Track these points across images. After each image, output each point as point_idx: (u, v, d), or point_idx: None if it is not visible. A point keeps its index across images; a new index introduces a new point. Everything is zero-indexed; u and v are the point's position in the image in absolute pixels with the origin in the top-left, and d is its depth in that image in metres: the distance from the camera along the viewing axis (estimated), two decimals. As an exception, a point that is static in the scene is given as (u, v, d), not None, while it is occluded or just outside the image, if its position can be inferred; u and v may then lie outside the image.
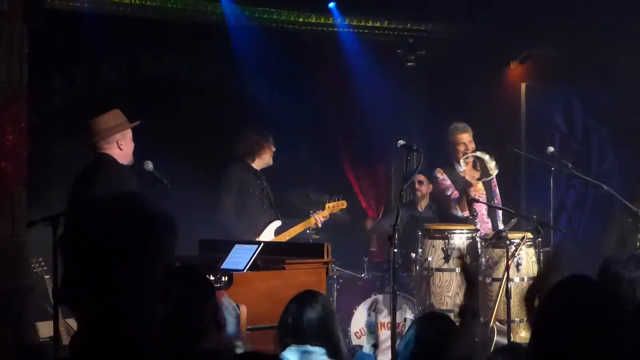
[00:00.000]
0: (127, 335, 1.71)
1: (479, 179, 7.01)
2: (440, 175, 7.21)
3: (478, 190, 7.07)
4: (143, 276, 1.73)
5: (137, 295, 1.73)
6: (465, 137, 7.11)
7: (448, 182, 7.14)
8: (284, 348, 3.62)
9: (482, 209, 7.06)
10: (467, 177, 6.94)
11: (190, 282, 3.21)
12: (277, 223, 7.05)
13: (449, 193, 7.11)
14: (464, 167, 6.99)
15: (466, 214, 6.97)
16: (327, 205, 7.34)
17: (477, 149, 7.02)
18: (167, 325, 3.09)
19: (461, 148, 7.10)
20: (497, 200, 7.28)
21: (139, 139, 5.39)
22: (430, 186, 8.08)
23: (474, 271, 3.72)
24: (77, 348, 1.72)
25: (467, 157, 7.02)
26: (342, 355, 3.65)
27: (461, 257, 3.52)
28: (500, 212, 7.21)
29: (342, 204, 7.43)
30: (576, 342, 2.29)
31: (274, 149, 7.13)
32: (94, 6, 7.53)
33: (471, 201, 6.76)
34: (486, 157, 6.95)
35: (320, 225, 7.24)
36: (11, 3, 6.29)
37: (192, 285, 3.19)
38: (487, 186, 7.14)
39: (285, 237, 7.02)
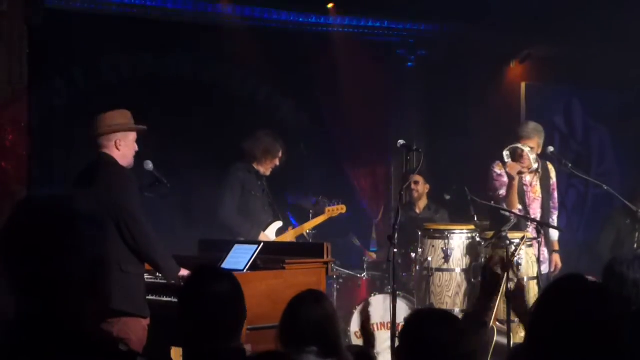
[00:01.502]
0: (51, 327, 1.78)
1: (519, 173, 6.61)
2: (499, 170, 6.79)
3: (535, 192, 6.84)
4: (65, 272, 1.80)
5: (60, 290, 1.80)
6: (532, 143, 6.73)
7: (504, 178, 6.70)
8: (285, 347, 3.62)
9: (536, 212, 6.81)
10: (510, 171, 6.55)
11: (221, 282, 3.21)
12: (279, 224, 7.05)
13: (500, 192, 6.72)
14: (508, 160, 6.59)
15: (515, 211, 6.63)
16: (326, 209, 7.33)
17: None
18: (200, 324, 3.10)
19: (525, 152, 6.71)
20: (554, 204, 6.99)
21: (139, 139, 5.38)
22: (427, 186, 8.05)
23: (498, 278, 3.63)
24: (8, 335, 1.81)
25: (509, 150, 6.62)
26: (341, 355, 3.66)
27: (492, 265, 3.39)
28: (555, 216, 6.97)
29: (342, 209, 7.41)
30: (571, 339, 2.29)
31: (277, 164, 7.04)
32: (93, 6, 7.53)
33: (472, 200, 6.72)
34: (527, 149, 6.59)
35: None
36: (11, 3, 6.29)
37: (222, 285, 3.19)
38: (545, 189, 6.86)
39: (286, 237, 7.02)
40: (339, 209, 7.36)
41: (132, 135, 5.10)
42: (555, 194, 7.00)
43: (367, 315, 4.31)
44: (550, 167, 6.96)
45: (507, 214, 6.60)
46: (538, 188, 6.87)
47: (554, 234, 6.96)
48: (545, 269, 6.73)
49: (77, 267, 1.81)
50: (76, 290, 1.81)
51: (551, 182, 6.93)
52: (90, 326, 1.85)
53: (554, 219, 6.99)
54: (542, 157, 6.92)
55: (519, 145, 6.61)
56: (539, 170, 6.84)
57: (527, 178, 6.83)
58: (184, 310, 3.22)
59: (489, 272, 3.44)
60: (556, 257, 6.95)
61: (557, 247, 6.99)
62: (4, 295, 1.86)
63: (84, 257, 1.82)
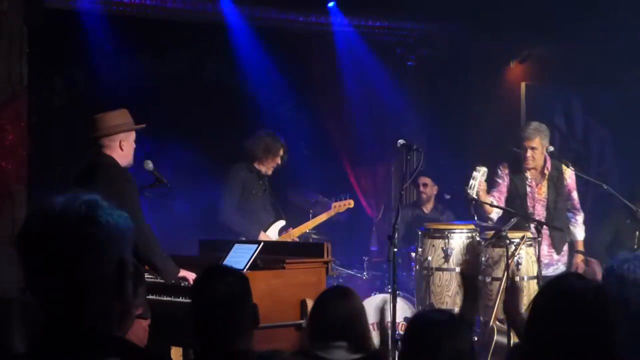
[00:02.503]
0: (77, 330, 1.75)
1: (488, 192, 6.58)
2: (499, 172, 6.82)
3: (541, 193, 6.73)
4: (89, 274, 1.77)
5: (85, 292, 1.77)
6: (534, 143, 6.62)
7: (500, 181, 6.75)
8: (313, 343, 3.65)
9: (540, 213, 6.70)
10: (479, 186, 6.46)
11: (230, 283, 3.21)
12: (281, 223, 7.05)
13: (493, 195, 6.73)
14: (477, 180, 6.45)
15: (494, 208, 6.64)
16: (333, 205, 7.32)
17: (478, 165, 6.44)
18: (203, 325, 3.10)
19: (528, 154, 6.65)
20: (573, 206, 6.82)
21: (139, 139, 5.38)
22: (436, 187, 8.05)
23: (473, 277, 3.61)
24: (35, 341, 1.78)
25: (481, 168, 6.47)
26: (370, 349, 3.70)
27: (463, 262, 3.40)
28: (578, 217, 6.83)
29: (349, 204, 7.40)
30: (568, 339, 2.29)
31: (278, 163, 7.06)
32: (94, 6, 7.53)
33: (471, 200, 6.71)
34: (476, 176, 6.39)
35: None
36: (11, 3, 6.30)
37: (231, 286, 3.19)
38: (555, 190, 6.71)
39: (288, 237, 7.02)
40: (346, 204, 7.34)
41: (133, 135, 5.11)
42: (574, 195, 6.84)
43: (383, 314, 4.34)
44: (565, 168, 6.80)
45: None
46: (545, 189, 6.78)
47: (579, 234, 6.85)
48: (544, 268, 6.67)
49: (102, 269, 1.77)
50: (101, 293, 1.78)
51: (565, 184, 6.78)
52: (115, 329, 1.82)
53: (577, 220, 6.85)
54: (554, 158, 6.86)
55: (476, 172, 6.38)
56: (545, 172, 6.79)
57: (533, 178, 6.81)
58: (193, 312, 3.22)
59: (462, 276, 3.45)
60: (578, 259, 6.82)
61: (581, 248, 6.86)
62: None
63: (110, 260, 1.79)
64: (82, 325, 1.75)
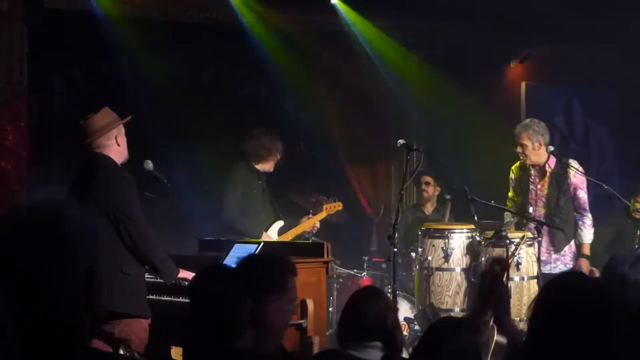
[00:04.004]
0: (46, 341, 1.73)
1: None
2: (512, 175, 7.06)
3: (543, 190, 6.74)
4: (54, 284, 1.73)
5: (52, 303, 1.73)
6: (521, 140, 6.71)
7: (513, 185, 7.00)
8: (344, 344, 3.66)
9: (540, 210, 6.76)
10: None
11: (227, 281, 3.20)
12: (280, 223, 7.06)
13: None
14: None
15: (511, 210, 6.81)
16: (324, 207, 7.33)
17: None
18: (199, 324, 3.10)
19: (518, 150, 6.74)
20: (579, 205, 6.73)
21: (139, 139, 5.38)
22: (438, 188, 8.03)
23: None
24: (4, 352, 1.75)
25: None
26: (400, 347, 3.72)
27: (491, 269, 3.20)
28: (585, 219, 6.75)
29: (338, 206, 7.41)
30: (571, 337, 2.29)
31: (279, 158, 7.10)
32: (94, 6, 7.52)
33: (472, 200, 6.72)
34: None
35: (314, 230, 7.25)
36: (11, 3, 6.31)
37: (228, 285, 3.19)
38: (556, 187, 6.69)
39: (288, 237, 7.03)
40: (335, 206, 7.36)
41: (123, 129, 5.14)
42: (579, 194, 6.73)
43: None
44: (571, 165, 6.76)
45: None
46: (546, 186, 6.79)
47: (585, 237, 6.73)
48: (541, 265, 6.62)
49: (69, 280, 1.74)
50: (70, 304, 1.75)
51: (569, 182, 6.72)
52: (86, 340, 1.79)
53: (585, 223, 6.73)
54: (558, 157, 6.85)
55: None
56: (547, 169, 6.77)
57: (536, 175, 6.81)
58: (192, 310, 3.22)
59: (490, 276, 3.30)
60: (582, 263, 6.69)
61: (586, 252, 6.75)
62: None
63: (77, 270, 1.75)
64: (51, 336, 1.73)
